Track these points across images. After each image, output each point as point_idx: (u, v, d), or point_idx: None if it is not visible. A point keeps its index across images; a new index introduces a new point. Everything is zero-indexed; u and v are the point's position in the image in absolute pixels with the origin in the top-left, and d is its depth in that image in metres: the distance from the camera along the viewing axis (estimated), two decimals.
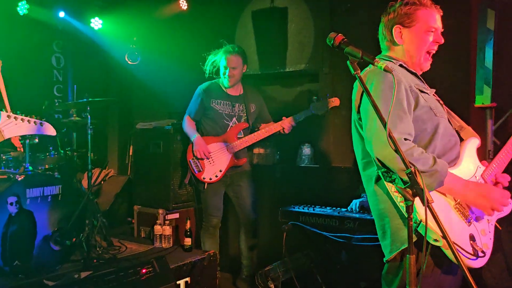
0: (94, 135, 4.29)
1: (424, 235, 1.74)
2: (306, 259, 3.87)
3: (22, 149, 3.91)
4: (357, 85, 2.15)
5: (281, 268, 3.64)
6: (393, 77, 1.82)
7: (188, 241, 4.15)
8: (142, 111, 6.26)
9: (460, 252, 1.88)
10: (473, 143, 2.23)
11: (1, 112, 1.88)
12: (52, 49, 6.05)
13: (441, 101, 2.26)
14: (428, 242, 1.89)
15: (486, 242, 2.03)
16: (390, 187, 2.00)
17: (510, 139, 2.35)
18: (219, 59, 4.21)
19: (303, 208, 3.72)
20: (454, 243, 1.80)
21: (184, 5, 5.57)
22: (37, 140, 3.80)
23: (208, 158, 4.13)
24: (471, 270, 1.85)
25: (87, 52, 6.16)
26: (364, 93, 2.02)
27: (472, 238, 1.97)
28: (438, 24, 2.18)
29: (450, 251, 1.83)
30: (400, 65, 2.17)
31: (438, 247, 1.90)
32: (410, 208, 1.75)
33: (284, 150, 5.02)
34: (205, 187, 4.19)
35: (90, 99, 4.17)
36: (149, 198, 4.78)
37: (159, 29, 5.74)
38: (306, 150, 4.78)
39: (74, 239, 3.68)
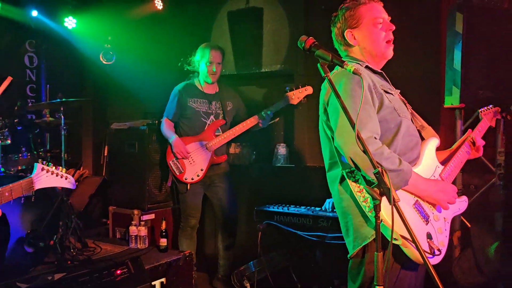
0: (68, 136, 4.25)
1: (391, 234, 1.78)
2: (281, 258, 3.91)
3: None
4: (325, 86, 2.20)
5: (257, 267, 3.68)
6: (361, 78, 1.87)
7: (163, 242, 4.15)
8: (117, 111, 6.21)
9: (417, 250, 1.90)
10: (433, 143, 2.29)
11: (37, 164, 1.96)
12: (25, 49, 5.95)
13: (405, 101, 2.32)
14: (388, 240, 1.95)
15: (442, 240, 2.09)
16: (354, 187, 2.06)
17: (462, 139, 2.46)
18: (201, 56, 4.18)
19: (278, 208, 3.76)
20: (410, 241, 1.87)
21: (159, 5, 5.55)
22: (9, 141, 3.74)
23: (187, 158, 4.12)
24: (439, 266, 1.92)
25: (60, 52, 6.08)
26: (331, 94, 2.08)
27: (429, 236, 2.03)
28: (383, 14, 2.24)
29: (408, 250, 1.93)
30: (366, 67, 2.23)
31: (397, 245, 1.96)
32: (377, 207, 1.80)
33: (260, 150, 5.05)
34: (188, 188, 4.18)
35: (63, 99, 4.13)
36: (124, 198, 4.75)
37: (134, 28, 5.70)
38: (282, 150, 4.82)
39: (47, 241, 3.64)
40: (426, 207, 2.11)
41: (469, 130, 2.49)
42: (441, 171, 2.25)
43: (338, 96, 1.86)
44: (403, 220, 1.71)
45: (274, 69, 4.76)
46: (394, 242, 1.92)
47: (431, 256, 1.99)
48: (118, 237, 4.71)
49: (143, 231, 4.31)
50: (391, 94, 2.18)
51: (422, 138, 2.30)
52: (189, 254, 4.04)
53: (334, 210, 3.46)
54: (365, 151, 1.76)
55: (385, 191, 1.75)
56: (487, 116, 2.75)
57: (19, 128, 4.06)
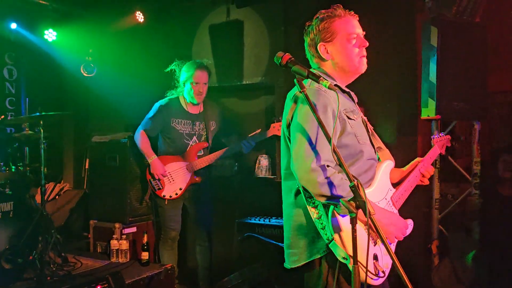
0: (49, 149, 4.20)
1: (351, 249, 1.81)
2: (263, 269, 3.92)
3: None
4: (290, 100, 2.16)
5: (238, 279, 3.68)
6: (337, 94, 1.93)
7: (145, 255, 4.13)
8: (98, 124, 6.17)
9: (364, 271, 1.95)
10: (387, 165, 2.31)
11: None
12: (4, 61, 5.89)
13: (366, 121, 2.32)
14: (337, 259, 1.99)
15: (387, 262, 2.12)
16: (309, 202, 2.06)
17: (413, 164, 2.44)
18: (186, 75, 4.11)
19: (259, 220, 3.78)
20: (360, 262, 1.87)
21: (140, 18, 5.55)
22: None
23: (166, 177, 4.11)
24: (418, 274, 1.96)
25: (40, 64, 6.03)
26: (295, 112, 2.09)
27: (375, 257, 2.07)
28: (358, 29, 2.22)
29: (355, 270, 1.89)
30: (336, 85, 2.19)
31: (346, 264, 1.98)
32: (354, 220, 1.84)
33: (242, 161, 5.07)
34: (166, 203, 4.17)
35: (43, 113, 4.09)
36: (105, 212, 4.72)
37: (115, 41, 5.69)
38: (264, 161, 4.85)
39: (26, 257, 3.59)
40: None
41: (418, 158, 2.48)
42: (392, 194, 2.27)
43: (315, 111, 1.91)
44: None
45: (255, 81, 4.81)
46: (343, 261, 1.96)
47: (376, 278, 2.02)
48: (99, 251, 4.66)
49: (125, 244, 4.29)
50: (353, 119, 2.17)
51: (379, 159, 2.34)
52: (170, 267, 4.02)
53: None
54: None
55: (361, 205, 1.79)
56: (439, 144, 2.82)
57: None
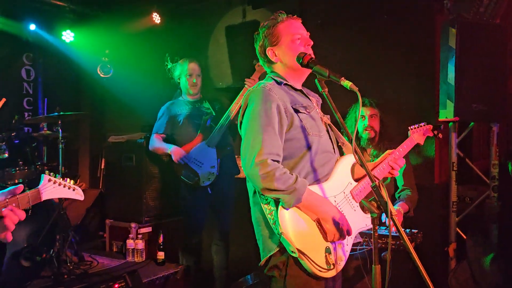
0: (65, 149, 4.26)
1: (388, 246, 1.81)
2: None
3: None
4: (243, 100, 2.24)
5: (254, 280, 3.68)
6: (272, 102, 2.10)
7: (161, 255, 4.15)
8: (114, 124, 6.23)
9: (311, 264, 2.03)
10: (349, 159, 2.35)
11: (44, 175, 1.99)
12: (22, 62, 5.98)
13: (323, 117, 2.36)
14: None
15: (341, 255, 2.16)
16: (262, 199, 2.14)
17: (383, 157, 2.41)
18: (180, 70, 4.21)
19: None
20: (306, 255, 2.01)
21: (157, 19, 5.60)
22: (7, 155, 3.75)
23: (190, 161, 4.05)
24: (435, 277, 1.94)
25: (58, 65, 6.11)
26: (245, 111, 2.19)
27: (327, 250, 2.09)
28: (301, 30, 2.31)
29: (304, 262, 2.03)
30: (285, 84, 2.28)
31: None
32: (375, 220, 1.84)
33: None
34: (210, 191, 4.11)
35: (61, 113, 4.14)
36: (121, 211, 4.75)
37: (132, 42, 5.75)
38: None
39: (44, 255, 3.63)
40: None
41: (389, 150, 2.48)
42: (352, 188, 2.29)
43: (336, 111, 1.92)
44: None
45: None
46: (291, 254, 2.04)
47: (325, 270, 2.06)
48: (115, 250, 4.69)
49: (140, 244, 4.31)
50: (303, 113, 2.23)
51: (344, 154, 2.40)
52: (186, 267, 4.03)
53: None
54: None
55: (382, 204, 1.78)
56: (415, 134, 2.79)
57: (16, 141, 4.06)
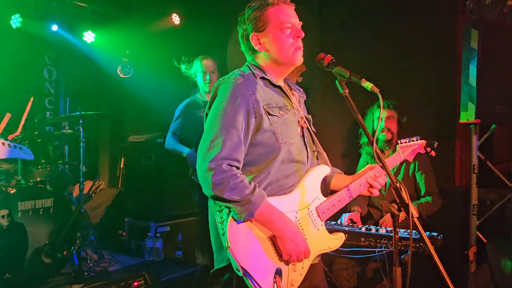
0: (86, 148, 4.31)
1: (395, 248, 1.79)
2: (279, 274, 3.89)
3: None
4: (212, 90, 2.01)
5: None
6: (240, 99, 1.89)
7: (179, 254, 4.18)
8: (134, 124, 6.29)
9: (255, 285, 1.80)
10: (320, 170, 2.11)
11: None
12: (44, 62, 6.08)
13: (300, 120, 2.13)
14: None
15: (293, 278, 1.95)
16: (216, 206, 1.93)
17: (362, 172, 2.21)
18: (195, 68, 4.24)
19: None
20: (251, 275, 1.79)
21: (176, 20, 5.65)
22: None
23: None
24: (455, 279, 1.91)
25: (79, 65, 6.20)
26: (213, 104, 1.95)
27: (278, 272, 1.89)
28: (293, 19, 2.04)
29: (248, 282, 1.80)
30: (262, 78, 2.04)
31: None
32: (396, 222, 1.83)
33: None
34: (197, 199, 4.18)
35: (83, 112, 4.20)
36: (140, 210, 4.80)
37: (152, 43, 5.80)
38: None
39: (65, 252, 3.69)
40: None
41: (370, 165, 2.23)
42: (319, 204, 2.06)
43: (357, 114, 1.90)
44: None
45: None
46: (236, 272, 1.82)
47: None
48: (133, 248, 4.74)
49: (159, 243, 4.35)
50: (276, 116, 1.99)
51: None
52: (204, 266, 4.05)
53: (350, 224, 3.48)
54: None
55: (403, 206, 1.77)
56: (405, 150, 2.63)
57: (38, 140, 4.13)
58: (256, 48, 2.05)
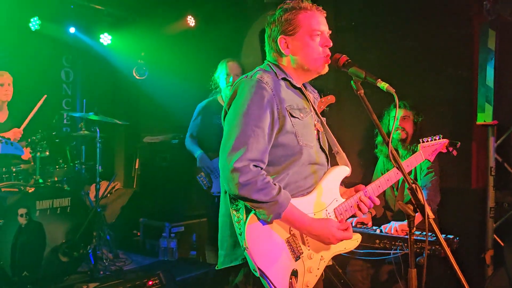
0: (102, 148, 4.37)
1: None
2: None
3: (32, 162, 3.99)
4: (233, 88, 1.98)
5: None
6: (266, 99, 1.87)
7: (193, 254, 4.20)
8: (149, 125, 6.34)
9: (271, 286, 1.80)
10: (338, 172, 2.10)
11: None
12: (62, 64, 6.17)
13: (317, 123, 2.11)
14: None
15: (309, 280, 1.93)
16: (232, 205, 1.90)
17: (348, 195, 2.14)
18: (219, 71, 4.22)
19: None
20: (267, 276, 1.79)
21: (191, 22, 5.69)
22: (47, 153, 3.87)
23: (212, 172, 4.16)
24: (472, 283, 1.89)
25: (95, 67, 6.27)
26: (233, 102, 1.93)
27: (294, 273, 1.89)
28: (323, 27, 2.03)
29: (265, 282, 1.80)
30: (284, 79, 2.01)
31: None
32: (411, 223, 1.82)
33: None
34: (216, 200, 4.20)
35: (100, 118, 4.24)
36: (154, 211, 4.84)
37: (167, 45, 5.85)
38: None
39: (81, 251, 3.74)
40: (301, 243, 1.94)
41: (361, 185, 2.14)
42: (338, 205, 2.04)
43: (371, 113, 1.89)
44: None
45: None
46: (254, 272, 1.81)
47: None
48: (148, 248, 4.78)
49: (173, 243, 4.38)
50: (297, 118, 1.97)
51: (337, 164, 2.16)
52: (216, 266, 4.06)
53: (358, 225, 3.45)
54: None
55: (420, 208, 1.76)
56: (426, 149, 2.61)
57: (56, 140, 4.19)
58: (283, 51, 2.02)
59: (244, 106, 1.87)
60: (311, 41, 1.99)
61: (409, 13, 4.25)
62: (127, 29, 5.99)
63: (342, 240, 1.96)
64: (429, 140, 2.69)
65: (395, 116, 2.02)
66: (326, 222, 1.93)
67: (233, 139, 1.84)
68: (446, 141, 2.73)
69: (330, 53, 2.05)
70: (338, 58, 2.03)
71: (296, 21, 1.99)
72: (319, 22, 2.02)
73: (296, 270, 1.89)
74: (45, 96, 4.21)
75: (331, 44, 2.04)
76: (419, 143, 2.69)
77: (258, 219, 1.84)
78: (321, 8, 2.06)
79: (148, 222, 4.86)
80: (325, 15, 2.07)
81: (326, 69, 2.09)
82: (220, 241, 2.02)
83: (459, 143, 2.75)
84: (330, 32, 2.08)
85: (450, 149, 2.75)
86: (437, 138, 2.70)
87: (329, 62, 2.05)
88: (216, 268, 2.05)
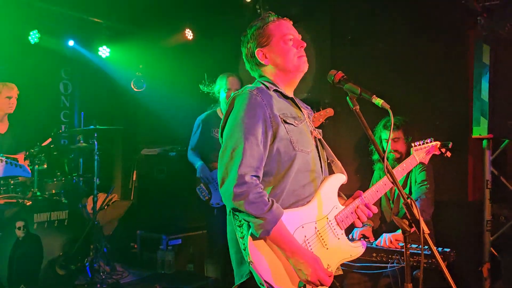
0: (100, 160, 4.38)
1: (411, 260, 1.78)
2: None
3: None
4: (227, 104, 2.05)
5: None
6: (257, 108, 1.93)
7: (190, 267, 4.19)
8: (146, 137, 6.36)
9: None
10: (335, 180, 2.12)
11: None
12: (61, 76, 6.19)
13: (313, 131, 2.16)
14: None
15: None
16: (236, 221, 1.92)
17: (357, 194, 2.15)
18: (219, 85, 4.25)
19: None
20: None
21: (189, 35, 5.74)
22: (45, 166, 3.89)
23: (212, 183, 4.16)
24: None
25: (94, 79, 6.30)
26: (229, 117, 1.99)
27: (301, 284, 1.87)
28: (293, 31, 2.14)
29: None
30: (275, 91, 2.09)
31: None
32: (407, 239, 1.83)
33: None
34: (215, 212, 4.20)
35: (97, 126, 4.27)
36: (152, 223, 4.84)
37: (165, 57, 5.88)
38: None
39: (78, 264, 3.73)
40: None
41: (359, 191, 2.16)
42: (338, 213, 2.05)
43: (367, 129, 1.92)
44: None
45: (301, 97, 4.76)
46: (261, 286, 1.81)
47: None
48: (145, 261, 4.77)
49: (170, 255, 4.37)
50: (291, 124, 2.02)
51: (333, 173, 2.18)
52: (215, 279, 4.06)
53: (362, 238, 3.47)
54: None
55: (415, 223, 1.78)
56: (419, 152, 2.66)
57: (55, 153, 4.21)
58: (262, 62, 2.12)
59: (238, 118, 1.94)
60: (285, 45, 2.10)
61: (405, 27, 4.30)
62: (126, 42, 6.03)
63: (317, 281, 1.84)
64: (420, 143, 2.74)
65: (391, 131, 2.01)
66: (315, 256, 1.88)
67: (229, 149, 1.90)
68: (437, 143, 2.77)
69: (304, 53, 2.15)
70: (334, 74, 2.06)
71: (267, 32, 2.11)
72: (288, 27, 2.15)
73: (304, 282, 1.87)
74: (50, 139, 4.24)
75: (305, 44, 2.15)
76: (411, 147, 2.75)
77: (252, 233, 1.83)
78: (286, 18, 2.19)
79: (145, 235, 4.85)
80: (291, 23, 2.19)
81: (305, 66, 2.16)
82: (231, 259, 2.03)
83: (451, 143, 2.79)
84: (301, 36, 2.17)
85: (443, 150, 2.79)
86: (428, 141, 2.75)
87: (305, 57, 2.14)
88: None
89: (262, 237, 1.83)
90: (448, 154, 2.81)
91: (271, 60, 2.11)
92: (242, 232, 1.88)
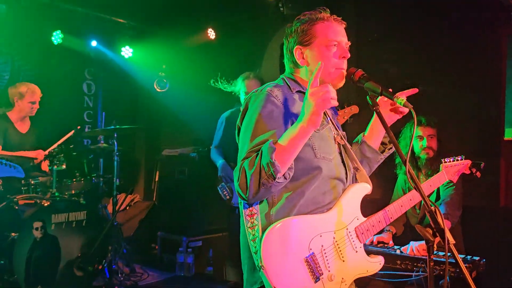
0: (122, 161, 4.36)
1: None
2: None
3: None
4: (244, 103, 1.92)
5: None
6: (276, 108, 1.81)
7: (210, 270, 4.13)
8: (168, 138, 6.35)
9: None
10: (358, 189, 1.98)
11: None
12: (84, 76, 6.24)
13: (336, 136, 2.01)
14: None
15: None
16: (247, 222, 1.82)
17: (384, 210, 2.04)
18: (238, 87, 4.20)
19: None
20: None
21: (212, 35, 5.69)
22: (64, 166, 3.88)
23: (233, 182, 4.07)
24: None
25: (117, 79, 6.33)
26: (246, 116, 1.86)
27: None
28: (341, 37, 1.94)
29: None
30: (299, 91, 1.95)
31: None
32: (431, 249, 1.70)
33: None
34: (237, 212, 4.13)
35: (117, 126, 4.25)
36: (173, 224, 4.80)
37: (188, 57, 5.85)
38: None
39: (96, 265, 3.70)
40: (322, 263, 1.81)
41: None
42: (359, 224, 1.93)
43: (388, 130, 1.80)
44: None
45: None
46: None
47: None
48: (165, 263, 4.73)
49: (190, 258, 4.31)
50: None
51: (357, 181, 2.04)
52: (234, 283, 3.98)
53: (380, 244, 3.32)
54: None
55: (439, 232, 1.65)
56: (449, 169, 2.53)
57: (74, 153, 4.20)
58: (298, 61, 1.95)
59: (253, 120, 1.81)
60: (327, 51, 1.91)
61: (433, 25, 4.13)
62: (148, 42, 6.03)
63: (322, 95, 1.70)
64: (451, 160, 2.57)
65: (413, 133, 1.86)
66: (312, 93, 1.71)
67: (244, 151, 1.77)
68: (468, 162, 2.62)
69: (346, 66, 1.95)
70: (354, 72, 1.92)
71: (312, 31, 1.92)
72: (336, 32, 1.94)
73: None
74: (73, 131, 4.25)
75: (349, 55, 1.95)
76: (441, 162, 2.59)
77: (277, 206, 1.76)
78: (340, 18, 1.98)
79: (166, 236, 4.81)
80: (344, 25, 1.98)
81: (342, 82, 1.98)
82: (242, 264, 1.93)
83: (483, 163, 2.62)
84: (350, 43, 1.98)
85: (473, 170, 2.63)
86: (459, 158, 2.58)
87: (345, 75, 1.94)
88: None
89: (278, 170, 1.66)
90: (478, 174, 2.65)
91: (307, 62, 1.94)
92: (254, 235, 1.79)
